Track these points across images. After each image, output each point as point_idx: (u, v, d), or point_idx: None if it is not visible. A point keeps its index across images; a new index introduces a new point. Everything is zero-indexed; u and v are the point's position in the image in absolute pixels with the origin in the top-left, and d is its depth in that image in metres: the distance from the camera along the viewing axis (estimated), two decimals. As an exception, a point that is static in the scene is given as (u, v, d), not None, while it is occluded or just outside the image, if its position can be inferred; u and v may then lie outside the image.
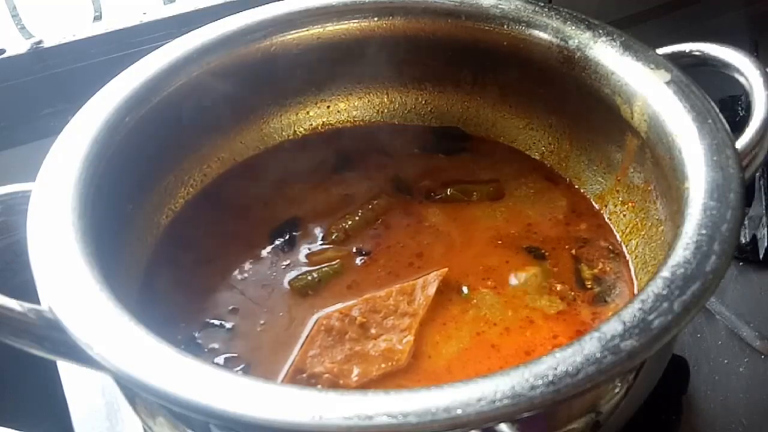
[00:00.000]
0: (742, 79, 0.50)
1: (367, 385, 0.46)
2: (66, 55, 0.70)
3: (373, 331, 0.49)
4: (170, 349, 0.38)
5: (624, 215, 0.56)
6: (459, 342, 0.49)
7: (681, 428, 0.56)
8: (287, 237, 0.57)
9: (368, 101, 0.66)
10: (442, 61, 0.63)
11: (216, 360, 0.49)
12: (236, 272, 0.54)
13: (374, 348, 0.48)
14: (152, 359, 0.37)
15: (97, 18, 0.74)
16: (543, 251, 0.55)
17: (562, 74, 0.57)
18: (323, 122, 0.66)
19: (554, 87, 0.59)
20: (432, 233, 0.57)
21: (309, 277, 0.53)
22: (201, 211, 0.60)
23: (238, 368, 0.48)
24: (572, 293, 0.52)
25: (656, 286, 0.39)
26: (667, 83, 0.51)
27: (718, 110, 0.49)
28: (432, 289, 0.51)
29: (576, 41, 0.56)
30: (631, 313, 0.38)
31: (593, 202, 0.59)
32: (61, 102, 0.70)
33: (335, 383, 0.46)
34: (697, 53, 0.53)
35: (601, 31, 0.56)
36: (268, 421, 0.34)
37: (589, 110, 0.58)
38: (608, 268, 0.54)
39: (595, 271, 0.54)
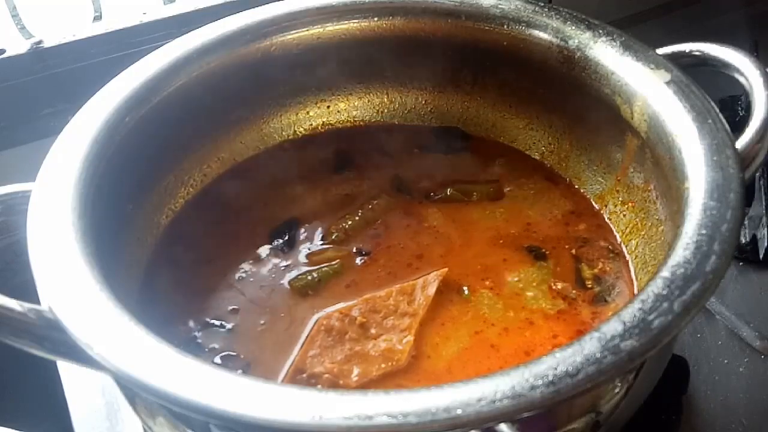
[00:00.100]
0: (742, 79, 0.50)
1: (367, 385, 0.46)
2: (66, 55, 0.70)
3: (373, 331, 0.49)
4: (170, 349, 0.38)
5: (624, 215, 0.56)
6: (459, 342, 0.49)
7: (681, 428, 0.56)
8: (287, 237, 0.57)
9: (368, 101, 0.66)
10: (442, 61, 0.63)
11: (216, 359, 0.49)
12: (236, 272, 0.54)
13: (374, 348, 0.48)
14: (152, 359, 0.37)
15: (97, 18, 0.74)
16: (543, 251, 0.55)
17: (562, 74, 0.57)
18: (323, 122, 0.66)
19: (554, 87, 0.59)
20: (432, 233, 0.57)
21: (309, 277, 0.53)
22: (201, 211, 0.60)
23: (238, 368, 0.48)
24: (573, 292, 0.52)
25: (656, 286, 0.39)
26: (667, 83, 0.51)
27: (718, 110, 0.49)
28: (432, 289, 0.51)
29: (576, 41, 0.56)
30: (631, 313, 0.38)
31: (593, 202, 0.59)
32: (61, 102, 0.70)
33: (335, 383, 0.46)
34: (697, 53, 0.53)
35: (601, 31, 0.56)
36: (268, 421, 0.34)
37: (589, 110, 0.58)
38: (608, 268, 0.54)
39: (596, 270, 0.54)
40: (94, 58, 0.71)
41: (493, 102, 0.64)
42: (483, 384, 0.35)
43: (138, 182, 0.55)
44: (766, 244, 0.67)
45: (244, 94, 0.61)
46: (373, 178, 0.61)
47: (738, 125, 0.48)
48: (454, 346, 0.49)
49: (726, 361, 0.60)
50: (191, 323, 0.51)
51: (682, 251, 0.41)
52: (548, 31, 0.57)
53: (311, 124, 0.66)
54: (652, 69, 0.52)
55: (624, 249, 0.55)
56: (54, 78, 0.70)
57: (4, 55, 0.68)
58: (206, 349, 0.50)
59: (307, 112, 0.66)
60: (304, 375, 0.47)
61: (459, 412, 0.34)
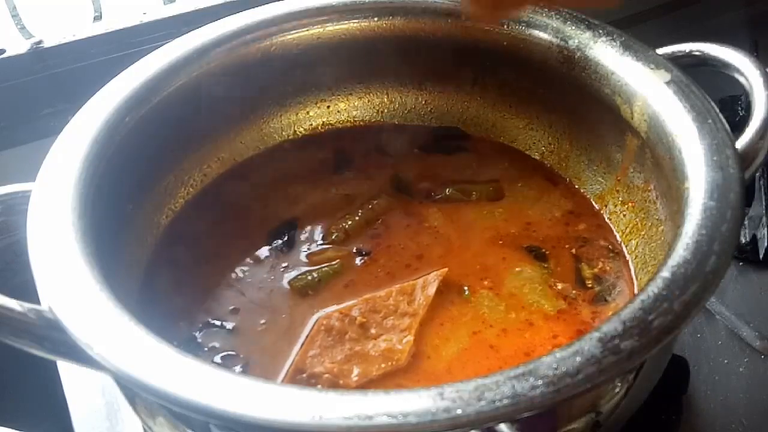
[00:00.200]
0: (742, 79, 0.50)
1: (367, 385, 0.46)
2: (66, 55, 0.70)
3: (373, 331, 0.49)
4: (170, 349, 0.38)
5: (624, 215, 0.56)
6: (459, 342, 0.49)
7: (681, 428, 0.56)
8: (287, 237, 0.57)
9: (368, 101, 0.66)
10: (442, 61, 0.63)
11: (216, 359, 0.49)
12: (236, 272, 0.54)
13: (374, 348, 0.48)
14: (152, 359, 0.37)
15: (97, 18, 0.74)
16: (543, 251, 0.55)
17: (562, 74, 0.57)
18: (323, 122, 0.66)
19: (554, 87, 0.59)
20: (432, 233, 0.57)
21: (309, 277, 0.53)
22: (201, 211, 0.60)
23: (238, 368, 0.48)
24: (573, 292, 0.52)
25: (656, 286, 0.39)
26: (667, 83, 0.51)
27: (718, 110, 0.49)
28: (432, 289, 0.51)
29: (576, 41, 0.56)
30: (631, 313, 0.38)
31: (593, 202, 0.59)
32: (61, 102, 0.70)
33: (335, 383, 0.46)
34: (697, 53, 0.53)
35: (601, 31, 0.56)
36: (268, 421, 0.34)
37: (589, 110, 0.58)
38: (608, 268, 0.54)
39: (596, 270, 0.54)
40: (94, 58, 0.71)
41: (493, 102, 0.64)
42: (483, 384, 0.35)
43: (138, 182, 0.55)
44: (766, 244, 0.67)
45: (244, 94, 0.61)
46: (373, 178, 0.61)
47: (738, 125, 0.48)
48: (454, 347, 0.49)
49: (726, 361, 0.60)
50: (191, 323, 0.51)
51: (682, 251, 0.41)
52: (548, 31, 0.57)
53: (311, 124, 0.66)
54: (652, 69, 0.52)
55: (624, 249, 0.55)
56: (54, 78, 0.70)
57: (4, 55, 0.68)
58: (206, 349, 0.50)
59: (307, 112, 0.66)
60: (304, 375, 0.47)
61: (459, 412, 0.34)
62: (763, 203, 0.69)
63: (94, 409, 0.58)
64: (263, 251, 0.56)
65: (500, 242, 0.56)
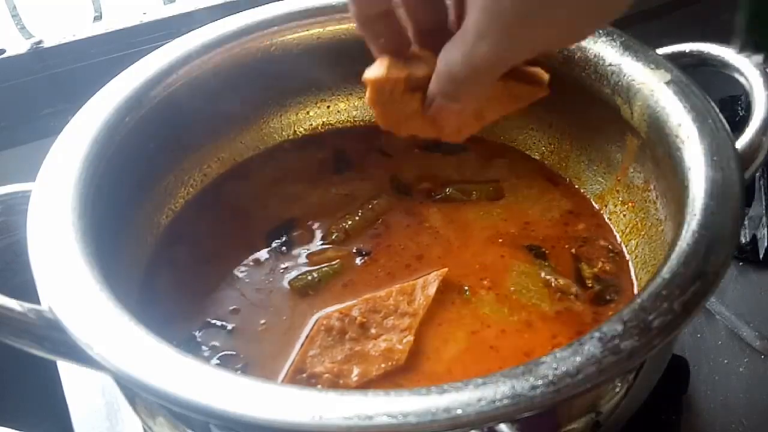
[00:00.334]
0: (742, 79, 0.50)
1: (367, 385, 0.46)
2: (66, 55, 0.70)
3: (373, 331, 0.49)
4: (170, 349, 0.38)
5: (624, 215, 0.56)
6: (459, 342, 0.49)
7: (681, 428, 0.56)
8: (287, 237, 0.57)
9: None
10: (442, 61, 0.63)
11: (216, 359, 0.49)
12: (236, 272, 0.54)
13: (374, 348, 0.48)
14: (152, 359, 0.37)
15: (97, 18, 0.74)
16: (543, 250, 0.55)
17: (562, 74, 0.57)
18: (323, 122, 0.66)
19: (554, 87, 0.59)
20: (432, 233, 0.57)
21: (309, 277, 0.53)
22: (201, 211, 0.60)
23: (238, 368, 0.48)
24: (573, 291, 0.52)
25: (656, 286, 0.39)
26: (667, 83, 0.51)
27: (718, 110, 0.49)
28: (432, 289, 0.51)
29: (576, 41, 0.56)
30: (631, 313, 0.38)
31: (593, 202, 0.59)
32: (61, 102, 0.70)
33: (335, 383, 0.46)
34: (697, 53, 0.53)
35: (601, 31, 0.56)
36: (268, 421, 0.34)
37: (589, 110, 0.58)
38: (608, 268, 0.54)
39: (596, 270, 0.54)
40: (94, 58, 0.71)
41: (493, 102, 0.64)
42: (483, 384, 0.35)
43: (138, 182, 0.55)
44: (766, 244, 0.67)
45: (244, 94, 0.61)
46: (373, 178, 0.61)
47: (738, 125, 0.48)
48: (454, 347, 0.49)
49: (726, 361, 0.60)
50: (191, 323, 0.51)
51: (682, 251, 0.41)
52: (548, 31, 0.57)
53: (311, 124, 0.66)
54: (652, 69, 0.52)
55: (624, 249, 0.55)
56: (54, 78, 0.70)
57: (4, 55, 0.68)
58: (206, 349, 0.50)
59: (307, 112, 0.66)
60: (304, 375, 0.47)
61: (459, 412, 0.34)
62: (763, 203, 0.69)
63: (94, 409, 0.58)
64: (263, 251, 0.56)
65: (500, 242, 0.56)
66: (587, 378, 0.35)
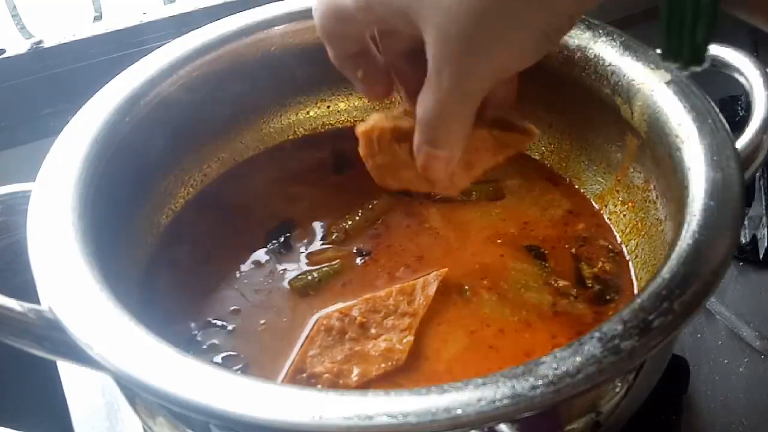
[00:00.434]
0: (742, 79, 0.50)
1: (367, 385, 0.46)
2: (66, 55, 0.70)
3: (373, 331, 0.49)
4: (170, 349, 0.38)
5: (624, 215, 0.56)
6: (459, 342, 0.49)
7: (681, 428, 0.56)
8: (287, 237, 0.57)
9: (368, 101, 0.66)
10: (442, 61, 0.63)
11: (216, 359, 0.49)
12: (236, 272, 0.54)
13: (374, 348, 0.48)
14: (152, 359, 0.37)
15: (97, 18, 0.74)
16: (543, 250, 0.55)
17: (562, 74, 0.57)
18: (323, 122, 0.67)
19: (554, 87, 0.59)
20: (432, 233, 0.57)
21: (309, 277, 0.53)
22: (201, 211, 0.60)
23: (238, 368, 0.48)
24: (573, 291, 0.52)
25: (656, 286, 0.39)
26: (667, 83, 0.51)
27: (718, 110, 0.49)
28: (432, 289, 0.51)
29: (576, 41, 0.56)
30: (631, 313, 0.38)
31: (593, 202, 0.59)
32: (61, 102, 0.70)
33: (335, 383, 0.46)
34: (696, 53, 0.53)
35: (601, 31, 0.56)
36: (268, 421, 0.34)
37: (589, 110, 0.58)
38: (608, 267, 0.54)
39: (596, 269, 0.54)
40: (94, 58, 0.71)
41: (493, 102, 0.64)
42: (483, 384, 0.35)
43: (138, 182, 0.55)
44: (766, 244, 0.67)
45: (244, 94, 0.61)
46: (373, 178, 0.61)
47: (738, 125, 0.48)
48: (454, 347, 0.49)
49: (726, 361, 0.60)
50: (191, 323, 0.51)
51: (682, 251, 0.41)
52: (548, 31, 0.57)
53: (311, 124, 0.66)
54: (652, 69, 0.52)
55: (624, 249, 0.55)
56: (54, 78, 0.70)
57: (4, 55, 0.68)
58: (206, 349, 0.50)
59: (307, 112, 0.66)
60: (304, 375, 0.47)
61: (459, 412, 0.34)
62: (763, 203, 0.69)
63: (94, 409, 0.58)
64: (263, 251, 0.56)
65: (500, 242, 0.56)
66: (587, 378, 0.35)
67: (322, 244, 0.56)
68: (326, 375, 0.46)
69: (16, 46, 0.68)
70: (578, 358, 0.36)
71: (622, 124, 0.54)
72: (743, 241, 0.68)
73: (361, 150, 0.46)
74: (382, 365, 0.47)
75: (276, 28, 0.60)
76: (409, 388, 0.35)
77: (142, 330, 0.39)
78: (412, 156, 0.44)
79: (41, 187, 0.46)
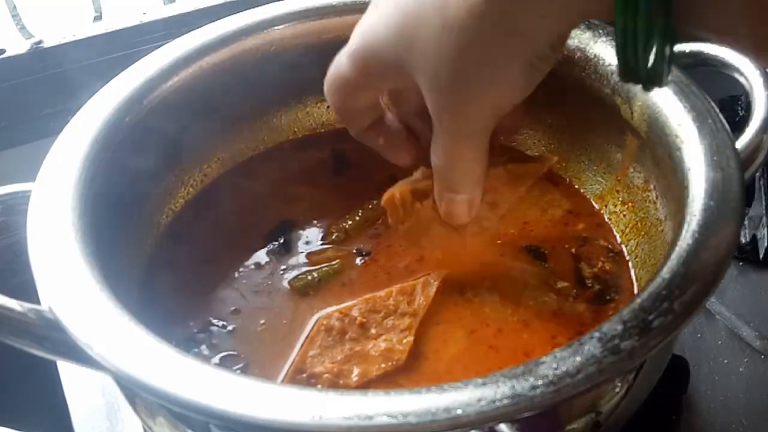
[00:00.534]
0: (742, 79, 0.50)
1: (367, 385, 0.46)
2: (66, 55, 0.70)
3: (373, 331, 0.49)
4: (170, 349, 0.38)
5: (624, 215, 0.56)
6: (459, 342, 0.49)
7: (681, 428, 0.56)
8: (287, 237, 0.57)
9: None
10: (442, 61, 0.63)
11: (216, 359, 0.49)
12: (236, 272, 0.54)
13: (374, 348, 0.48)
14: (152, 359, 0.37)
15: (97, 18, 0.74)
16: (543, 250, 0.55)
17: (562, 74, 0.57)
18: (323, 122, 0.66)
19: (554, 87, 0.59)
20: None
21: (309, 277, 0.53)
22: (201, 211, 0.60)
23: (238, 368, 0.48)
24: (573, 291, 0.52)
25: (656, 286, 0.39)
26: (667, 83, 0.51)
27: (718, 110, 0.49)
28: (432, 290, 0.51)
29: (576, 41, 0.56)
30: (631, 313, 0.38)
31: (593, 202, 0.59)
32: (61, 102, 0.70)
33: (335, 383, 0.46)
34: (696, 53, 0.53)
35: (601, 31, 0.56)
36: (268, 421, 0.34)
37: (589, 110, 0.58)
38: (608, 267, 0.54)
39: (596, 270, 0.54)
40: (94, 58, 0.71)
41: (493, 102, 0.64)
42: (483, 384, 0.35)
43: (138, 182, 0.55)
44: (766, 244, 0.67)
45: (244, 94, 0.61)
46: (373, 178, 0.61)
47: (738, 125, 0.48)
48: (454, 347, 0.49)
49: (726, 361, 0.60)
50: (191, 323, 0.51)
51: (682, 251, 0.41)
52: (548, 31, 0.57)
53: (311, 124, 0.66)
54: (652, 69, 0.52)
55: (624, 249, 0.55)
56: (54, 78, 0.70)
57: (4, 55, 0.68)
58: (206, 348, 0.50)
59: (307, 112, 0.66)
60: (304, 375, 0.47)
61: (459, 412, 0.34)
62: (763, 203, 0.69)
63: (94, 409, 0.58)
64: (263, 251, 0.56)
65: (500, 242, 0.56)
66: (587, 378, 0.35)
67: (322, 244, 0.56)
68: (326, 375, 0.46)
69: (16, 46, 0.69)
70: (578, 358, 0.36)
71: (622, 124, 0.54)
72: (743, 241, 0.68)
73: (390, 219, 0.50)
74: (382, 365, 0.47)
75: (276, 28, 0.60)
76: (409, 388, 0.35)
77: (142, 330, 0.39)
78: (436, 211, 0.46)
79: (41, 187, 0.46)
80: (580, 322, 0.50)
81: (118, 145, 0.51)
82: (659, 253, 0.51)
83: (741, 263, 0.68)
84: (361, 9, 0.60)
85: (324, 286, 0.53)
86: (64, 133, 0.50)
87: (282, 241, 0.56)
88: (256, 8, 0.61)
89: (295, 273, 0.54)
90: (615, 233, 0.56)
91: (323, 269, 0.54)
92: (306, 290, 0.53)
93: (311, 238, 0.57)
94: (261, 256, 0.56)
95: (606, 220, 0.58)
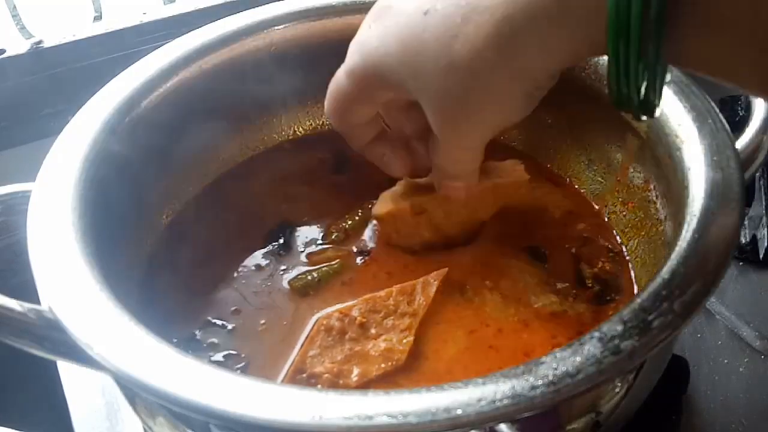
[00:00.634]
0: (742, 79, 0.50)
1: (367, 385, 0.46)
2: (66, 55, 0.70)
3: (373, 331, 0.49)
4: (170, 349, 0.38)
5: (624, 215, 0.56)
6: (459, 342, 0.49)
7: (681, 428, 0.56)
8: (287, 237, 0.57)
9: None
10: (442, 61, 0.63)
11: (216, 359, 0.49)
12: (236, 272, 0.54)
13: (374, 348, 0.48)
14: (152, 359, 0.37)
15: (97, 18, 0.74)
16: (543, 250, 0.55)
17: (562, 74, 0.57)
18: (323, 122, 0.67)
19: (554, 87, 0.59)
20: (432, 233, 0.57)
21: (309, 277, 0.53)
22: (201, 211, 0.60)
23: (238, 368, 0.48)
24: (573, 291, 0.52)
25: (656, 286, 0.39)
26: (667, 83, 0.51)
27: (718, 110, 0.49)
28: (432, 289, 0.51)
29: (576, 41, 0.56)
30: (631, 313, 0.38)
31: (593, 202, 0.59)
32: (61, 102, 0.70)
33: (335, 383, 0.46)
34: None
35: (601, 31, 0.56)
36: (268, 421, 0.34)
37: (589, 110, 0.58)
38: (608, 267, 0.54)
39: (596, 270, 0.54)
40: (94, 58, 0.71)
41: (493, 102, 0.64)
42: (483, 384, 0.35)
43: (138, 182, 0.55)
44: (766, 244, 0.67)
45: (245, 94, 0.61)
46: (373, 178, 0.61)
47: (738, 125, 0.48)
48: (454, 347, 0.49)
49: (726, 361, 0.60)
50: (191, 323, 0.51)
51: (682, 251, 0.41)
52: (548, 31, 0.57)
53: (311, 124, 0.66)
54: (652, 69, 0.52)
55: (624, 249, 0.55)
56: (54, 78, 0.70)
57: (4, 55, 0.68)
58: (206, 348, 0.50)
59: (307, 112, 0.66)
60: (304, 375, 0.47)
61: (459, 412, 0.34)
62: (763, 203, 0.69)
63: (94, 409, 0.58)
64: (263, 251, 0.56)
65: (500, 242, 0.56)
66: (587, 378, 0.35)
67: (322, 244, 0.56)
68: (326, 375, 0.46)
69: (16, 46, 0.69)
70: (578, 358, 0.36)
71: (622, 124, 0.54)
72: (743, 241, 0.68)
73: (384, 228, 0.55)
74: (382, 365, 0.47)
75: (276, 28, 0.60)
76: (409, 388, 0.35)
77: (142, 330, 0.39)
78: (428, 223, 0.53)
79: (41, 187, 0.46)
80: (580, 322, 0.50)
81: (118, 145, 0.51)
82: (659, 253, 0.51)
83: (741, 263, 0.68)
84: (360, 9, 0.61)
85: (324, 286, 0.53)
86: (64, 133, 0.50)
87: (282, 241, 0.56)
88: (256, 8, 0.61)
89: (295, 273, 0.54)
90: (615, 233, 0.56)
91: (323, 269, 0.54)
92: (306, 290, 0.53)
93: (311, 238, 0.57)
94: (261, 256, 0.56)
95: (606, 220, 0.58)
